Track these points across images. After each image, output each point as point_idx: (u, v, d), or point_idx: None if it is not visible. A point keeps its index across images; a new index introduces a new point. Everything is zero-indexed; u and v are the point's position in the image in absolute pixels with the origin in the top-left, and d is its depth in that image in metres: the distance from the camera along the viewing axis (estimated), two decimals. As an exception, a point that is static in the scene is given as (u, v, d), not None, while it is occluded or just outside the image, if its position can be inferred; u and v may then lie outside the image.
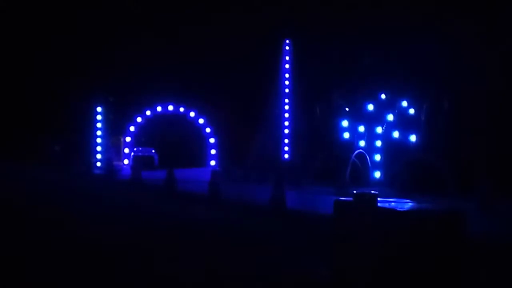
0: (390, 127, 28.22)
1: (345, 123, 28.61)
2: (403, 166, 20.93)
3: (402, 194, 19.97)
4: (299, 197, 20.32)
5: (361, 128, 28.36)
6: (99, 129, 39.85)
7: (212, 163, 39.12)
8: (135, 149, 39.96)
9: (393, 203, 8.87)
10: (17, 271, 8.77)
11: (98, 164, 36.02)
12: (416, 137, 27.75)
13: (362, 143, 28.12)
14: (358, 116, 28.76)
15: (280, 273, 8.75)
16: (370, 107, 29.05)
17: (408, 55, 31.34)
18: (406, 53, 31.55)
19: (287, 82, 33.72)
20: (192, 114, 43.24)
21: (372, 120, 28.51)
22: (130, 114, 43.63)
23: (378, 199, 7.95)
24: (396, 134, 28.13)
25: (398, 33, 33.33)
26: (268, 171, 28.14)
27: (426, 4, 33.41)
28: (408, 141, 28.03)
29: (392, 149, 27.82)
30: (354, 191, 8.53)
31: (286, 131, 33.33)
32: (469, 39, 29.98)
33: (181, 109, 44.30)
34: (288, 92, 33.79)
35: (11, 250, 10.30)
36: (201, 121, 43.11)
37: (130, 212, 15.94)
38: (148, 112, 42.79)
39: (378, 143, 28.17)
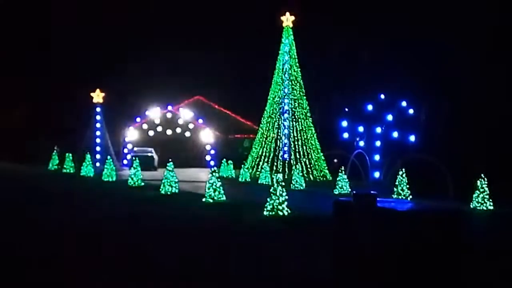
0: (389, 127, 28.25)
1: (344, 123, 28.63)
2: (403, 166, 20.97)
3: (401, 194, 20.03)
4: (300, 197, 20.37)
5: (361, 128, 28.38)
6: (99, 129, 39.90)
7: (212, 163, 39.16)
8: (134, 149, 39.98)
9: (392, 203, 8.89)
10: (17, 270, 8.80)
11: (97, 164, 36.07)
12: (415, 137, 27.78)
13: (361, 143, 28.16)
14: (357, 116, 28.79)
15: (280, 273, 8.78)
16: (370, 107, 29.08)
17: (407, 56, 31.39)
18: (405, 53, 31.59)
19: (286, 82, 33.73)
20: (191, 114, 43.35)
21: (371, 120, 28.55)
22: (129, 114, 43.71)
23: (378, 199, 7.96)
24: (395, 134, 28.16)
25: (397, 34, 33.39)
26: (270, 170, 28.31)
27: (426, 5, 33.47)
28: (408, 141, 28.05)
29: (391, 149, 27.87)
30: (354, 192, 8.55)
31: (286, 131, 33.35)
32: (468, 40, 30.02)
33: (181, 109, 44.42)
34: (287, 92, 33.78)
35: (10, 250, 10.33)
36: (200, 121, 43.19)
37: (130, 211, 15.97)
38: (147, 113, 42.89)
39: (378, 143, 28.20)
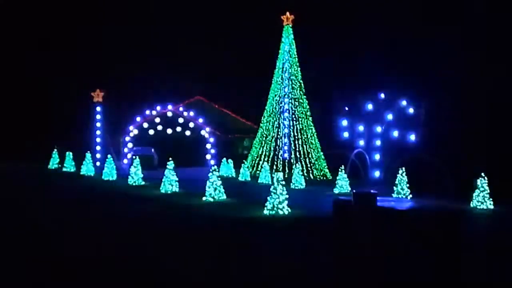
0: (389, 126, 28.27)
1: (344, 123, 28.64)
2: (402, 165, 20.99)
3: (401, 193, 20.04)
4: (300, 196, 20.36)
5: (361, 128, 28.41)
6: (99, 128, 39.89)
7: (212, 162, 39.17)
8: (134, 148, 40.00)
9: (392, 202, 8.93)
10: (17, 269, 8.82)
11: (97, 163, 36.07)
12: (415, 137, 27.79)
13: (361, 142, 28.19)
14: (357, 115, 28.80)
15: (280, 273, 8.79)
16: (370, 106, 29.08)
17: (408, 55, 31.37)
18: (405, 53, 31.58)
19: (286, 81, 33.74)
20: (191, 113, 43.34)
21: (371, 119, 28.57)
22: (129, 114, 43.69)
23: (378, 198, 8.01)
24: (395, 133, 28.15)
25: (398, 33, 33.37)
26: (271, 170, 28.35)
27: (426, 5, 33.48)
28: (407, 140, 28.06)
29: (391, 148, 27.89)
30: (354, 191, 8.57)
31: (286, 130, 33.36)
32: (468, 40, 30.01)
33: (180, 109, 44.41)
34: (287, 92, 33.79)
35: (11, 249, 10.36)
36: (200, 120, 43.17)
37: (130, 210, 15.98)
38: (147, 112, 42.87)
39: (378, 142, 28.22)
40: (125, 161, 40.16)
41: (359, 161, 26.16)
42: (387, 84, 30.31)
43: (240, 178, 29.63)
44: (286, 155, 33.02)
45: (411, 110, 28.81)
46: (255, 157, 34.08)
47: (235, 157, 36.03)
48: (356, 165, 25.90)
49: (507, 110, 27.95)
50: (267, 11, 38.90)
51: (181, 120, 42.92)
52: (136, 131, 42.41)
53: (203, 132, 42.83)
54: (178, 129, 42.69)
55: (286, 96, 33.67)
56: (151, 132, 42.50)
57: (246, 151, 41.00)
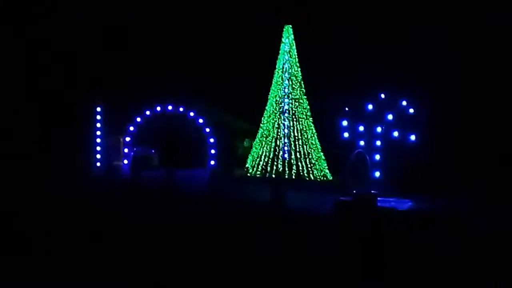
0: (389, 126, 28.26)
1: (345, 123, 28.64)
2: (403, 165, 20.95)
3: (401, 193, 20.01)
4: (300, 196, 20.35)
5: (361, 128, 28.41)
6: (99, 129, 39.82)
7: (212, 162, 39.15)
8: (134, 149, 39.99)
9: (393, 203, 8.91)
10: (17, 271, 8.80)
11: (98, 164, 36.02)
12: (416, 137, 27.77)
13: (362, 143, 28.17)
14: (358, 116, 28.79)
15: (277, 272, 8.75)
16: (370, 107, 29.07)
17: (408, 54, 31.34)
18: (405, 52, 31.53)
19: (286, 82, 33.73)
20: (191, 113, 43.29)
21: (372, 120, 28.55)
22: (129, 114, 43.62)
23: (378, 198, 7.99)
24: (395, 133, 28.13)
25: (398, 32, 33.35)
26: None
27: (426, 4, 33.45)
28: (408, 140, 28.03)
29: (391, 148, 27.86)
30: (354, 191, 8.54)
31: (286, 131, 33.32)
32: (469, 40, 29.99)
33: (181, 109, 44.37)
34: (287, 92, 33.76)
35: (11, 248, 10.34)
36: (200, 120, 43.10)
37: (129, 211, 15.95)
38: (147, 112, 42.78)
39: (378, 143, 28.20)
40: (126, 161, 40.17)
41: (359, 161, 26.12)
42: (387, 84, 30.29)
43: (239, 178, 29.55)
44: (286, 155, 32.99)
45: (411, 110, 28.80)
46: (255, 158, 34.07)
47: (235, 158, 36.04)
48: (356, 165, 25.84)
49: (508, 109, 27.92)
50: (267, 10, 38.86)
51: (181, 120, 42.90)
52: (136, 132, 42.42)
53: (202, 132, 42.80)
54: (178, 129, 42.66)
55: (286, 97, 33.66)
56: (151, 132, 42.48)
57: (246, 151, 40.95)
